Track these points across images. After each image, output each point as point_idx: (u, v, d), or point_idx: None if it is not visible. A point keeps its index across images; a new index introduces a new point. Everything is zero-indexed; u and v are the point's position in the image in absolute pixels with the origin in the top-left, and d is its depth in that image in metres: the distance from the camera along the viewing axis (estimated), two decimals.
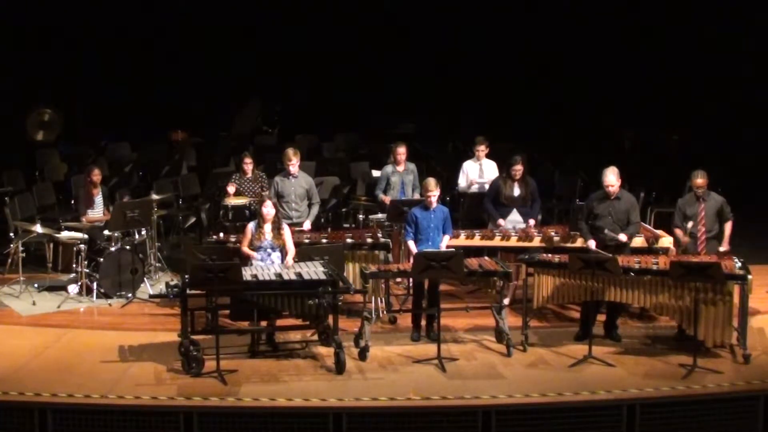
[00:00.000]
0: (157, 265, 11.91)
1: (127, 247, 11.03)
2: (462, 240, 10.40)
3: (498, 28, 17.77)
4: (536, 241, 10.43)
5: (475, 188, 11.88)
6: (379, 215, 11.80)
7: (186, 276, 8.89)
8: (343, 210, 13.72)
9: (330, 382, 8.58)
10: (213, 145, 16.83)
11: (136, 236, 11.43)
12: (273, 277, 8.93)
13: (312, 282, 8.84)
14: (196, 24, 17.51)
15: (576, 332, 9.68)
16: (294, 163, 10.97)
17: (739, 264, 9.18)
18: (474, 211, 11.66)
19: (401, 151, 11.70)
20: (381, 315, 9.98)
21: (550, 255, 9.67)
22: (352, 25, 17.81)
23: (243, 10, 17.64)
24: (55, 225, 11.67)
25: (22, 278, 11.06)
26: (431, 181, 9.78)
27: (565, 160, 15.64)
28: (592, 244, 9.71)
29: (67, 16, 16.87)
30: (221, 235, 10.48)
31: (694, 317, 8.90)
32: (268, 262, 9.41)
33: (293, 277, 8.93)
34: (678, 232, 10.01)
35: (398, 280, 11.03)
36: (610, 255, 9.20)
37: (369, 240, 10.30)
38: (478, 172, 11.94)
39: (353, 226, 12.99)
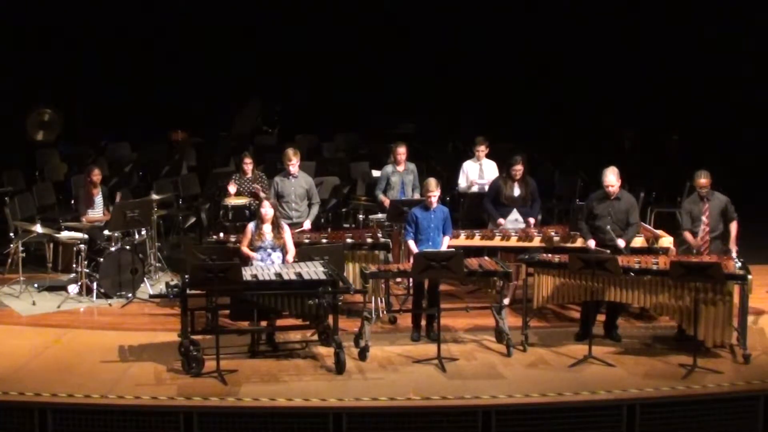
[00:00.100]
0: (157, 265, 11.91)
1: (127, 247, 11.03)
2: (462, 240, 10.40)
3: (498, 28, 17.77)
4: (536, 241, 10.43)
5: (475, 189, 11.88)
6: (379, 215, 11.80)
7: (186, 276, 8.89)
8: (343, 210, 13.72)
9: (330, 382, 8.58)
10: (213, 145, 16.83)
11: (136, 236, 11.42)
12: (273, 277, 8.93)
13: (312, 282, 8.84)
14: (196, 24, 17.51)
15: (576, 332, 9.68)
16: (294, 163, 10.97)
17: (739, 264, 9.18)
18: (474, 211, 11.66)
19: (401, 151, 11.70)
20: (381, 315, 9.98)
21: (550, 255, 9.67)
22: (352, 25, 17.81)
23: (243, 10, 17.65)
24: (55, 225, 11.67)
25: (22, 278, 11.06)
26: (432, 182, 9.78)
27: (565, 160, 15.63)
28: (591, 243, 9.71)
29: (67, 16, 16.87)
30: (221, 235, 10.48)
31: (694, 317, 8.90)
32: (269, 262, 9.41)
33: (293, 277, 8.93)
34: (688, 236, 9.98)
35: (398, 280, 11.03)
36: (610, 254, 9.21)
37: (369, 240, 10.30)
38: (478, 172, 11.94)
39: (353, 226, 12.99)
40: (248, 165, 11.76)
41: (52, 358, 9.18)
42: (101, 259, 10.90)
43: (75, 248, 10.97)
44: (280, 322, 9.28)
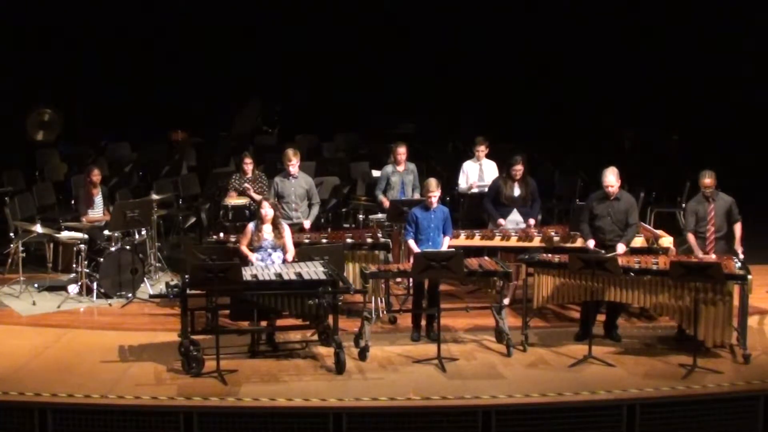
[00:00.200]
0: (157, 265, 11.91)
1: (127, 247, 11.03)
2: (462, 240, 10.40)
3: (498, 28, 17.77)
4: (536, 241, 10.43)
5: (475, 191, 11.88)
6: (379, 215, 11.81)
7: (186, 276, 8.89)
8: (343, 210, 13.72)
9: (330, 382, 8.58)
10: (213, 145, 16.84)
11: (136, 236, 11.43)
12: (273, 277, 8.93)
13: (312, 282, 8.84)
14: (196, 24, 17.51)
15: (576, 332, 9.68)
16: (294, 164, 10.97)
17: (739, 264, 9.18)
18: (474, 211, 11.66)
19: (401, 151, 11.70)
20: (381, 315, 9.98)
21: (550, 255, 9.67)
22: (352, 25, 17.81)
23: (243, 10, 17.65)
24: (55, 225, 11.67)
25: (22, 278, 11.06)
26: (432, 182, 9.78)
27: (565, 160, 15.64)
28: (591, 243, 9.71)
29: (67, 16, 16.87)
30: (221, 235, 10.47)
31: (694, 317, 8.90)
32: (269, 262, 9.41)
33: (293, 277, 8.93)
34: (691, 239, 9.96)
35: (398, 280, 11.03)
36: (609, 255, 9.22)
37: (369, 240, 10.30)
38: (478, 172, 11.94)
39: (353, 226, 12.99)
40: (248, 165, 11.76)
41: (52, 358, 9.18)
42: (101, 259, 10.90)
43: (75, 248, 10.97)
44: (280, 322, 9.28)
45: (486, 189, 11.56)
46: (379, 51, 17.91)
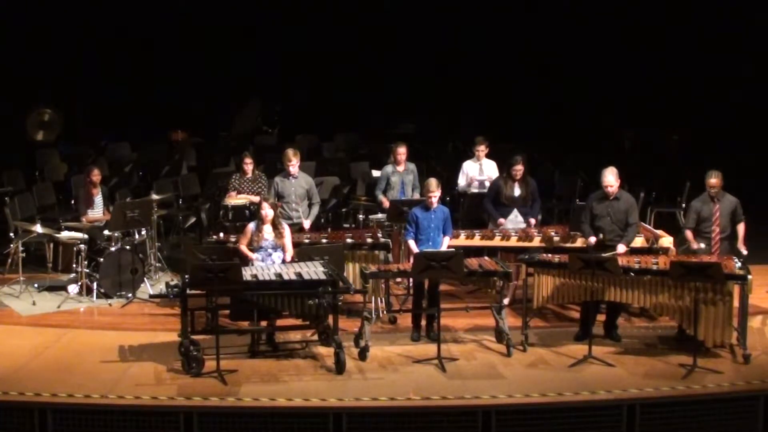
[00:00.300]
0: (157, 265, 11.91)
1: (127, 247, 11.03)
2: (462, 240, 10.40)
3: (498, 28, 17.77)
4: (536, 241, 10.43)
5: (475, 186, 11.88)
6: (379, 215, 11.80)
7: (186, 276, 8.89)
8: (343, 210, 13.72)
9: (330, 382, 8.58)
10: (213, 145, 16.84)
11: (136, 236, 11.42)
12: (273, 277, 8.93)
13: (312, 282, 8.84)
14: (196, 24, 17.51)
15: (576, 332, 9.68)
16: (294, 164, 10.97)
17: (739, 264, 9.18)
18: (474, 211, 11.66)
19: (401, 151, 11.70)
20: (381, 315, 9.98)
21: (550, 255, 9.67)
22: (352, 25, 17.81)
23: (243, 10, 17.65)
24: (55, 225, 11.67)
25: (22, 278, 11.06)
26: (432, 182, 9.78)
27: (565, 160, 15.64)
28: (592, 239, 9.71)
29: (67, 16, 16.87)
30: (221, 235, 10.47)
31: (694, 317, 8.89)
32: (269, 262, 9.41)
33: (293, 277, 8.93)
34: (689, 235, 9.98)
35: (398, 280, 11.03)
36: (609, 254, 9.22)
37: (369, 240, 10.30)
38: (478, 172, 11.94)
39: (353, 226, 12.99)
40: (248, 165, 11.76)
41: (52, 358, 9.18)
42: (101, 259, 10.90)
43: (75, 248, 10.97)
44: (280, 322, 9.28)
45: (485, 184, 11.57)
46: (379, 51, 17.92)
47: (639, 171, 14.23)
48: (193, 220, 13.74)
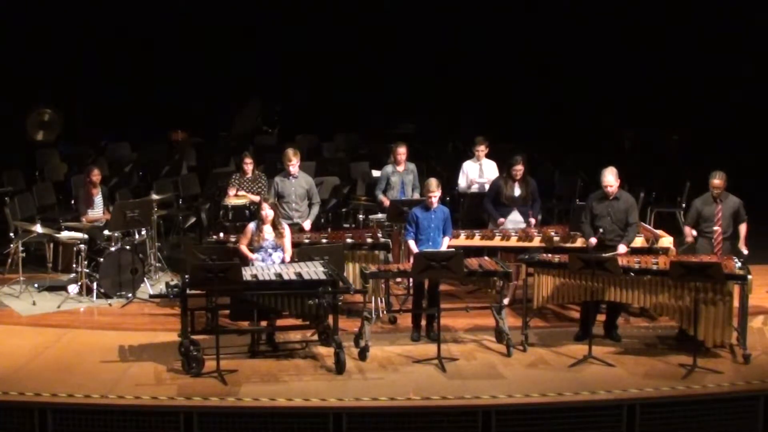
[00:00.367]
0: (157, 265, 11.91)
1: (127, 247, 11.03)
2: (462, 240, 10.40)
3: (498, 28, 17.77)
4: (536, 241, 10.43)
5: (475, 188, 11.88)
6: (379, 215, 11.80)
7: (186, 276, 8.89)
8: (343, 210, 13.72)
9: (330, 382, 8.58)
10: (213, 145, 16.84)
11: (136, 236, 11.43)
12: (273, 277, 8.93)
13: (312, 282, 8.84)
14: (196, 24, 17.51)
15: (576, 332, 9.68)
16: (294, 164, 10.97)
17: (739, 264, 9.18)
18: (474, 211, 11.66)
19: (401, 151, 11.70)
20: (381, 315, 9.98)
21: (550, 255, 9.67)
22: (352, 25, 17.82)
23: (243, 10, 17.65)
24: (55, 225, 11.67)
25: (22, 278, 11.06)
26: (433, 182, 9.78)
27: (565, 160, 15.64)
28: (593, 241, 9.71)
29: (67, 16, 16.87)
30: (221, 235, 10.47)
31: (694, 317, 8.89)
32: (269, 262, 9.41)
33: (293, 277, 8.93)
34: (687, 230, 10.01)
35: (398, 280, 11.03)
36: (609, 255, 9.22)
37: (369, 240, 10.30)
38: (478, 172, 11.94)
39: (353, 226, 12.99)
40: (248, 165, 11.76)
41: (52, 358, 9.18)
42: (101, 259, 10.90)
43: (75, 248, 10.97)
44: (280, 322, 9.28)
45: (485, 186, 11.57)
46: (379, 51, 17.92)
47: (639, 171, 14.23)
48: (193, 220, 13.74)
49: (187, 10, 17.44)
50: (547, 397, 8.27)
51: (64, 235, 11.11)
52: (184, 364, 8.73)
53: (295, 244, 9.86)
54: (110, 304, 10.81)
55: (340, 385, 8.52)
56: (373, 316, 9.51)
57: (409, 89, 17.89)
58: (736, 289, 9.04)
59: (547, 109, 17.80)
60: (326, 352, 9.13)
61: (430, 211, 9.78)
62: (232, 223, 11.14)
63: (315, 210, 11.16)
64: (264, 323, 9.21)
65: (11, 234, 11.83)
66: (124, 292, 10.93)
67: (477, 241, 10.50)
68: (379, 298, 9.94)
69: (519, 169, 10.84)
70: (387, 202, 11.46)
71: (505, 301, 10.10)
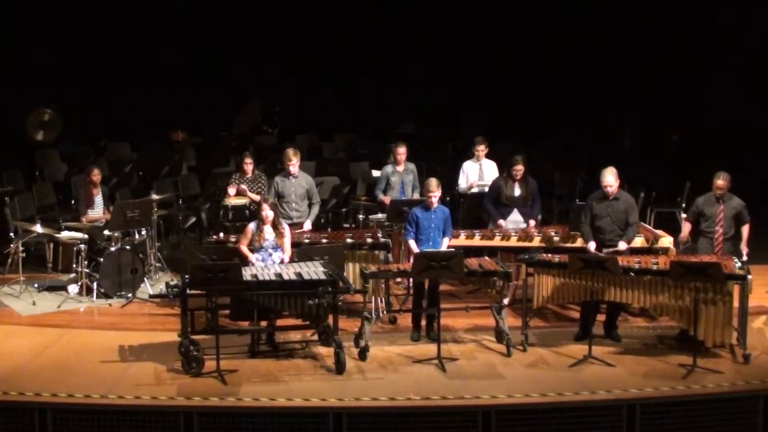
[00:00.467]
0: (157, 265, 11.91)
1: (127, 247, 11.03)
2: (462, 240, 10.40)
3: (498, 27, 17.76)
4: (536, 241, 10.43)
5: (475, 190, 11.88)
6: (379, 215, 11.81)
7: (186, 276, 8.89)
8: (343, 210, 13.72)
9: (330, 382, 8.58)
10: (213, 145, 16.83)
11: (136, 236, 11.43)
12: (273, 277, 8.93)
13: (312, 282, 8.84)
14: (196, 24, 17.51)
15: (576, 332, 9.67)
16: (294, 163, 10.97)
17: (739, 264, 9.18)
18: (474, 211, 11.66)
19: (401, 151, 11.70)
20: (381, 315, 9.98)
21: (550, 255, 9.67)
22: (352, 25, 17.81)
23: (243, 10, 17.64)
24: (55, 225, 11.68)
25: (22, 278, 11.06)
26: (433, 182, 9.78)
27: (565, 160, 15.63)
28: (591, 246, 9.70)
29: (67, 16, 16.87)
30: (221, 235, 10.48)
31: (694, 317, 8.89)
32: (269, 262, 9.41)
33: (293, 277, 8.93)
34: (686, 227, 10.01)
35: (398, 280, 11.03)
36: (611, 250, 9.22)
37: (369, 240, 10.30)
38: (477, 172, 11.94)
39: (353, 226, 13.00)
40: (248, 165, 11.76)
41: (52, 358, 9.18)
42: (101, 259, 10.90)
43: (75, 248, 10.97)
44: (280, 322, 9.28)
45: (486, 188, 11.57)
46: (379, 51, 17.91)
47: (639, 171, 14.21)
48: (193, 220, 13.75)
49: (188, 10, 17.43)
50: (547, 397, 8.28)
51: (64, 235, 11.12)
52: (184, 364, 8.73)
53: (295, 244, 9.86)
54: (110, 304, 10.81)
55: (340, 385, 8.52)
56: (373, 316, 9.51)
57: (409, 89, 17.87)
58: (736, 289, 9.03)
59: (547, 109, 17.77)
60: (326, 352, 9.13)
61: (430, 211, 9.78)
62: (232, 223, 11.15)
63: (315, 210, 11.16)
64: (264, 323, 9.21)
65: (11, 234, 11.83)
66: (124, 292, 10.93)
67: (477, 241, 10.50)
68: (379, 298, 9.93)
69: (519, 169, 10.84)
70: (387, 202, 11.46)
71: (505, 301, 10.10)
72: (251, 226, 9.62)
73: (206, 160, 15.74)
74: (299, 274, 8.97)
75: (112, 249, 10.96)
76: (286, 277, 8.92)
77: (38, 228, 10.99)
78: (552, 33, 17.72)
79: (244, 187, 11.58)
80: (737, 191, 10.07)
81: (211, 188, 13.64)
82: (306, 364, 9.01)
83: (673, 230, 10.87)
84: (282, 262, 9.44)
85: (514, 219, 10.85)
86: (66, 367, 8.90)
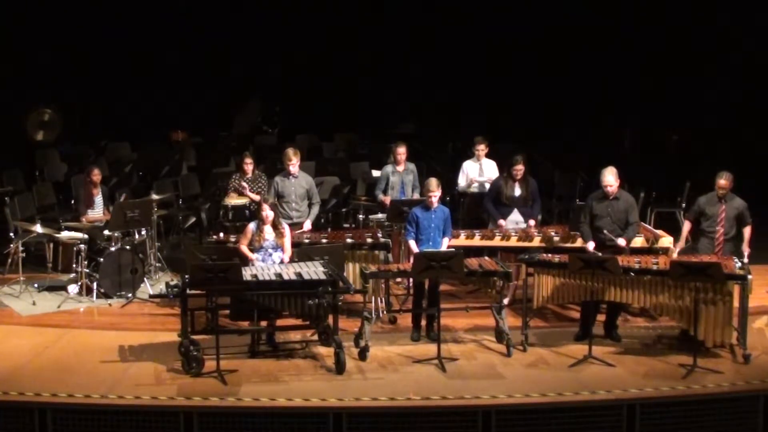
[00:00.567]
0: (157, 265, 11.91)
1: (127, 247, 11.03)
2: (462, 240, 10.40)
3: (498, 27, 17.76)
4: (536, 241, 10.43)
5: (475, 187, 11.88)
6: (379, 215, 11.81)
7: (186, 276, 8.89)
8: (343, 210, 13.72)
9: (330, 382, 8.58)
10: (213, 145, 16.83)
11: (136, 236, 11.43)
12: (273, 277, 8.93)
13: (312, 282, 8.84)
14: (196, 24, 17.51)
15: (576, 332, 9.67)
16: (294, 163, 10.96)
17: (739, 264, 9.18)
18: (474, 211, 11.66)
19: (401, 151, 11.70)
20: (381, 315, 9.98)
21: (550, 255, 9.67)
22: (352, 25, 17.81)
23: (243, 10, 17.64)
24: (55, 225, 11.68)
25: (22, 278, 11.06)
26: (433, 182, 9.78)
27: (565, 160, 15.63)
28: (590, 246, 9.70)
29: (67, 16, 16.87)
30: (221, 235, 10.48)
31: (694, 317, 8.89)
32: (269, 262, 9.41)
33: (293, 277, 8.93)
34: (686, 226, 10.01)
35: (398, 280, 11.04)
36: (612, 243, 9.23)
37: (369, 240, 10.30)
38: (477, 171, 11.94)
39: (353, 226, 13.00)
40: (248, 165, 11.77)
41: (52, 358, 9.18)
42: (101, 259, 10.90)
43: (75, 248, 10.97)
44: (280, 322, 9.28)
45: (485, 184, 11.57)
46: (379, 51, 17.91)
47: (639, 171, 14.21)
48: (193, 220, 13.75)
49: (188, 10, 17.43)
50: (547, 397, 8.27)
51: (64, 235, 11.12)
52: (184, 364, 8.73)
53: (295, 244, 9.86)
54: (110, 304, 10.81)
55: (340, 385, 8.52)
56: (373, 316, 9.51)
57: (409, 89, 17.87)
58: (736, 289, 9.03)
59: (547, 109, 17.77)
60: (326, 352, 9.13)
61: (430, 211, 9.78)
62: (232, 223, 11.15)
63: (315, 210, 11.16)
64: (264, 323, 9.21)
65: (11, 234, 11.84)
66: (124, 292, 10.93)
67: (477, 241, 10.50)
68: (379, 298, 9.93)
69: (519, 169, 10.84)
70: (387, 202, 11.46)
71: (505, 301, 10.10)
72: (251, 226, 9.62)
73: (206, 160, 15.75)
74: (299, 274, 8.97)
75: (112, 249, 10.97)
76: (286, 277, 8.92)
77: (38, 228, 10.99)
78: (552, 33, 17.72)
79: (244, 184, 11.59)
80: (737, 191, 10.07)
81: (211, 188, 13.64)
82: (306, 364, 9.01)
83: (673, 230, 10.88)
84: (282, 262, 9.44)
85: (514, 219, 10.85)
86: (66, 367, 8.90)
